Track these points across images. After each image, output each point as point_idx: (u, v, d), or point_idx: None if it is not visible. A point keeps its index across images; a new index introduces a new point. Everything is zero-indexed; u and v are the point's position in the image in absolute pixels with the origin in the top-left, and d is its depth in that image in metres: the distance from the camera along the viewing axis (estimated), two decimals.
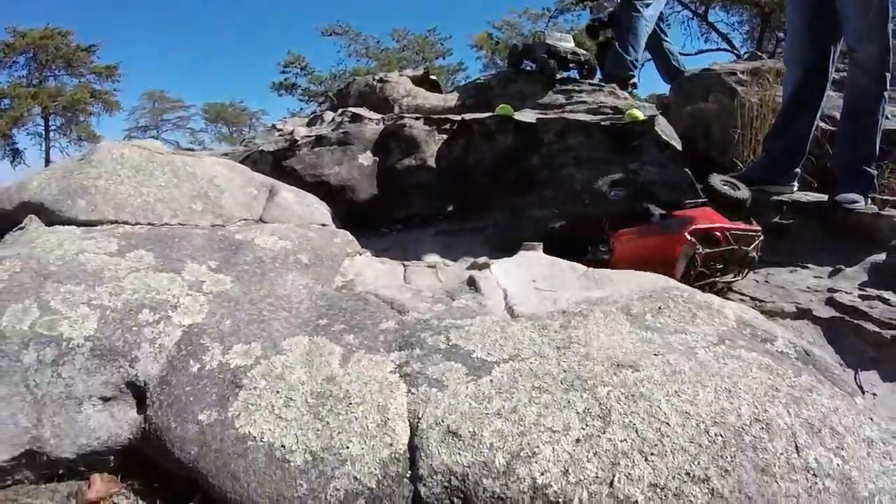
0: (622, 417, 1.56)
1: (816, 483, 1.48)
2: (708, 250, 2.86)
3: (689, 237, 2.85)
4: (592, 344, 1.85)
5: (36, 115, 27.68)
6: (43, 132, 28.38)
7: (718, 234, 2.91)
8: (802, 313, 2.92)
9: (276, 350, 1.91)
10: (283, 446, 1.63)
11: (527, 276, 2.46)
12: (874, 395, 2.59)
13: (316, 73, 17.13)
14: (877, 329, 2.76)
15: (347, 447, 1.59)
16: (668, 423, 1.54)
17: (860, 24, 3.56)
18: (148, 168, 2.82)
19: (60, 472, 1.81)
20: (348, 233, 2.96)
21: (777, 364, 1.85)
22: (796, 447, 1.55)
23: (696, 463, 1.46)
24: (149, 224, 2.60)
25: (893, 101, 4.86)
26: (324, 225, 3.13)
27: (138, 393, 1.89)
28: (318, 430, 1.65)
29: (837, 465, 1.53)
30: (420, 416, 1.62)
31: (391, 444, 1.58)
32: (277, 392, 1.76)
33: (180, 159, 3.01)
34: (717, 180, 3.43)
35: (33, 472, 1.79)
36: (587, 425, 1.54)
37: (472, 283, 2.36)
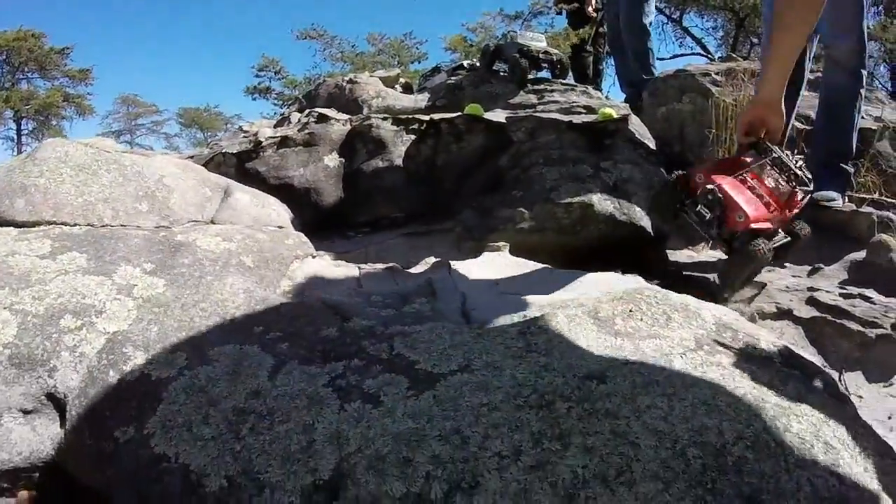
0: (584, 439, 1.35)
1: None
2: None
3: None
4: (553, 353, 1.65)
5: (8, 119, 27.45)
6: (15, 136, 28.12)
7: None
8: (783, 314, 2.87)
9: (202, 360, 1.72)
10: (199, 470, 1.44)
11: (489, 278, 2.30)
12: (860, 397, 2.54)
13: (290, 77, 16.98)
14: (860, 328, 2.73)
15: (267, 472, 1.39)
16: (637, 444, 1.34)
17: (834, 20, 3.53)
18: (92, 167, 2.64)
19: None
20: (302, 234, 2.79)
21: (762, 371, 1.68)
22: (787, 468, 1.36)
23: (669, 492, 1.26)
24: (88, 225, 2.42)
25: (868, 100, 4.85)
26: (280, 227, 2.96)
27: (59, 405, 1.71)
28: (236, 451, 1.45)
29: (834, 485, 1.36)
30: (350, 436, 1.42)
31: (315, 471, 1.37)
32: (198, 407, 1.57)
33: (129, 158, 2.83)
34: None
35: None
36: (542, 449, 1.33)
37: (428, 285, 2.19)
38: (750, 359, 1.76)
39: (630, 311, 1.89)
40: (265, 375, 1.65)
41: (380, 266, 2.54)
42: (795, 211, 2.55)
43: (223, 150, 4.20)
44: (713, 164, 2.61)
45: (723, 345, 1.80)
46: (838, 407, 1.67)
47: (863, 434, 1.57)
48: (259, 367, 1.68)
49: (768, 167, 2.53)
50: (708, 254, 3.98)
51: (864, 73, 3.67)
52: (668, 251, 3.81)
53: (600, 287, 2.17)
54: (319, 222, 3.74)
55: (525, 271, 2.40)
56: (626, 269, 3.24)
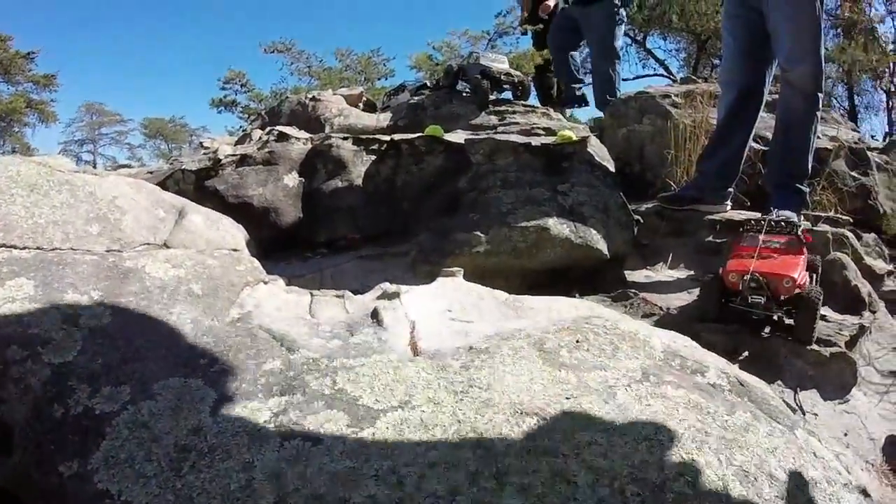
0: (521, 478, 1.37)
1: None
2: None
3: None
4: (495, 387, 1.67)
5: None
6: None
7: None
8: (738, 333, 2.88)
9: (145, 394, 1.70)
10: None
11: (442, 305, 2.29)
12: (815, 415, 2.58)
13: (256, 91, 16.87)
14: (815, 347, 2.75)
15: None
16: (575, 483, 1.36)
17: (793, 45, 3.63)
18: (44, 187, 2.59)
19: None
20: (255, 259, 2.76)
21: (708, 401, 1.71)
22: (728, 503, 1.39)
23: None
24: (37, 248, 2.36)
25: (823, 120, 4.93)
26: (234, 250, 2.94)
27: (6, 437, 1.69)
28: (177, 489, 1.44)
29: None
30: (288, 476, 1.42)
31: None
32: (140, 443, 1.56)
33: (80, 178, 2.78)
34: None
35: None
36: (478, 489, 1.35)
37: (375, 315, 2.18)
38: (697, 388, 1.78)
39: (577, 341, 1.91)
40: (207, 411, 1.64)
41: (331, 293, 2.52)
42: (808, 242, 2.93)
43: (182, 167, 4.17)
44: (731, 255, 2.92)
45: (670, 374, 1.82)
46: (787, 434, 1.70)
47: (811, 461, 1.61)
48: (201, 402, 1.67)
49: (762, 232, 2.90)
50: (666, 273, 4.01)
51: (821, 96, 3.73)
52: (626, 271, 3.84)
53: (552, 314, 2.18)
54: (278, 242, 3.75)
55: (477, 298, 2.39)
56: (583, 290, 3.27)
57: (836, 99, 18.98)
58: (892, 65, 16.34)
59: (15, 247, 2.33)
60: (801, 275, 2.72)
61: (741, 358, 2.72)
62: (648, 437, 1.51)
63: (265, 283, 2.54)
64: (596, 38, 6.68)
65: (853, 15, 16.41)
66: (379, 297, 2.37)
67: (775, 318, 2.82)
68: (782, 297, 2.71)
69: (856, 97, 19.48)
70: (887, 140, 7.32)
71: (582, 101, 7.09)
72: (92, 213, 2.62)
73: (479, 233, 3.32)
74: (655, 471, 1.42)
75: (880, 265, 3.98)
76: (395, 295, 2.32)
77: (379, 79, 16.26)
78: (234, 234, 3.12)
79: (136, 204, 2.82)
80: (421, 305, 2.26)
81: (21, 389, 1.73)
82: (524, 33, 9.20)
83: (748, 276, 2.69)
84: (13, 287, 2.06)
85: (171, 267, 2.35)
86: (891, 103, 18.32)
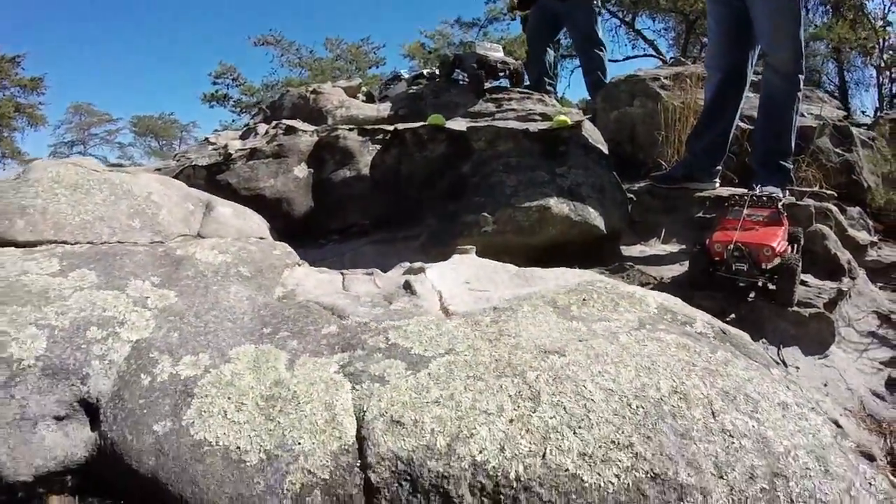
0: (551, 397, 1.71)
1: (733, 443, 1.64)
2: None
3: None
4: (522, 335, 2.00)
5: None
6: None
7: None
8: (727, 298, 3.13)
9: (224, 359, 1.98)
10: (239, 448, 1.70)
11: (460, 277, 2.58)
12: (797, 367, 2.84)
13: (248, 84, 16.89)
14: (796, 309, 3.00)
15: (299, 443, 1.69)
16: (593, 400, 1.70)
17: (773, 30, 3.83)
18: (85, 186, 2.81)
19: (20, 495, 1.77)
20: (287, 245, 3.01)
21: (694, 343, 2.02)
22: (713, 413, 1.72)
23: (620, 432, 1.62)
24: (88, 243, 2.58)
25: (808, 99, 5.13)
26: (262, 238, 3.15)
27: (91, 410, 1.88)
28: (270, 429, 1.73)
29: (753, 426, 1.70)
30: (365, 409, 1.74)
31: (340, 438, 1.69)
32: (229, 398, 1.83)
33: (117, 176, 3.01)
34: None
35: None
36: (519, 406, 1.69)
37: (408, 286, 2.46)
38: (685, 334, 2.09)
39: (584, 299, 2.23)
40: (283, 368, 1.94)
41: (360, 271, 2.77)
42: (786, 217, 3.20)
43: (193, 163, 4.39)
44: (717, 228, 3.19)
45: (662, 324, 2.14)
46: (763, 370, 2.01)
47: (783, 390, 1.91)
48: (276, 361, 1.97)
49: (746, 207, 3.20)
50: (659, 247, 4.21)
51: (801, 77, 3.93)
52: (622, 247, 4.09)
53: (559, 281, 2.48)
54: (291, 231, 3.94)
55: (491, 271, 2.68)
56: (583, 264, 3.51)
57: (826, 76, 18.99)
58: (881, 40, 16.28)
59: (67, 242, 2.53)
60: (780, 244, 2.98)
61: (728, 319, 2.94)
62: (647, 367, 1.84)
63: (299, 265, 2.79)
64: (580, 32, 6.88)
65: None
66: (405, 273, 2.64)
67: (759, 284, 3.06)
68: (763, 265, 2.97)
69: (846, 73, 19.45)
70: (877, 116, 7.47)
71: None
72: (132, 208, 2.83)
73: (486, 214, 3.57)
74: (654, 390, 1.76)
75: (863, 236, 4.23)
76: (421, 270, 2.60)
77: (370, 67, 16.34)
78: (258, 223, 3.35)
79: (169, 199, 3.03)
80: (443, 279, 2.55)
81: (105, 365, 1.94)
82: (513, 18, 9.33)
83: (731, 246, 2.96)
84: (76, 277, 2.27)
85: (218, 253, 2.60)
86: (881, 79, 18.27)
